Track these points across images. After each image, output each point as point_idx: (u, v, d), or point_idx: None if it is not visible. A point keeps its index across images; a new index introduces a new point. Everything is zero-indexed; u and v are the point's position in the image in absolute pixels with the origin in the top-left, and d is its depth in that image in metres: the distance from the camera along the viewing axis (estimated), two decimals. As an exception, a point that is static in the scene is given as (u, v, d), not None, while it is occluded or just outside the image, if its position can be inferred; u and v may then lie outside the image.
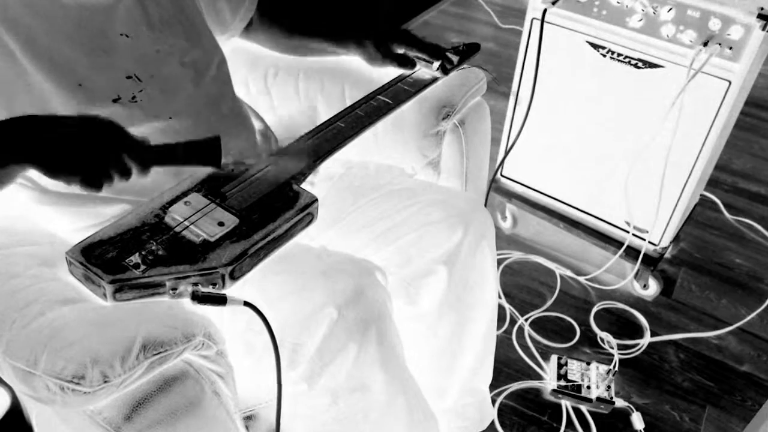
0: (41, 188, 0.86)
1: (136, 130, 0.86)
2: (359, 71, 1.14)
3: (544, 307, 1.58)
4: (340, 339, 0.85)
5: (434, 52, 1.09)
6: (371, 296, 0.89)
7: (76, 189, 0.70)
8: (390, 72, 1.10)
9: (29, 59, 0.78)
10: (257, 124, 1.10)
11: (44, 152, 0.68)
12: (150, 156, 0.75)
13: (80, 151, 0.68)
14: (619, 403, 1.36)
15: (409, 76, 1.08)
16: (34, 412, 0.88)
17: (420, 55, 1.10)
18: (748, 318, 1.57)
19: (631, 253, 1.56)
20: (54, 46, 0.80)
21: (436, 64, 1.09)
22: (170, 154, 0.79)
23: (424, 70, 1.10)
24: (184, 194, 0.83)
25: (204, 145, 0.80)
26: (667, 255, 1.70)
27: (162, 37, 0.90)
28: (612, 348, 1.48)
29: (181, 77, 0.92)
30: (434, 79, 1.09)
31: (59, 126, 0.69)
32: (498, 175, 1.72)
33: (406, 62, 1.09)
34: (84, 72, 0.82)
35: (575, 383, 1.37)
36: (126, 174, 0.72)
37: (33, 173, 0.83)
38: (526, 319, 1.55)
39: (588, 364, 1.41)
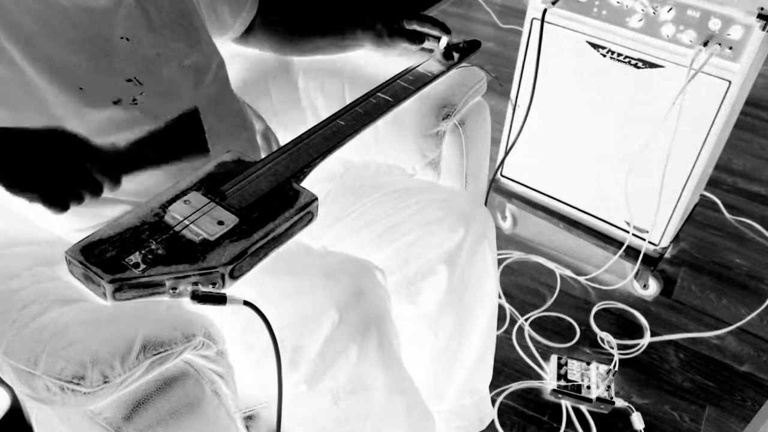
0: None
1: (135, 132, 0.86)
2: (359, 70, 1.14)
3: (544, 307, 1.58)
4: (341, 341, 0.85)
5: (444, 27, 1.08)
6: (371, 297, 0.89)
7: (39, 206, 0.66)
8: (391, 70, 1.09)
9: (29, 64, 0.77)
10: (258, 125, 1.10)
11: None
12: (120, 165, 0.72)
13: (38, 167, 0.65)
14: (619, 403, 1.36)
15: (409, 73, 1.08)
16: (34, 412, 0.88)
17: (430, 30, 1.08)
18: (748, 318, 1.57)
19: (631, 253, 1.56)
20: (54, 50, 0.79)
21: (444, 40, 1.08)
22: (142, 154, 0.76)
23: (424, 66, 1.09)
24: (184, 193, 0.83)
25: (182, 121, 0.76)
26: (667, 255, 1.70)
27: (162, 40, 0.90)
28: (612, 348, 1.48)
29: (181, 80, 0.91)
30: (434, 77, 1.08)
31: (17, 139, 0.66)
32: (498, 175, 1.72)
33: (415, 37, 1.07)
34: (84, 75, 0.81)
35: (575, 383, 1.37)
36: (96, 191, 0.70)
37: None
38: (526, 319, 1.54)
39: (588, 364, 1.41)
